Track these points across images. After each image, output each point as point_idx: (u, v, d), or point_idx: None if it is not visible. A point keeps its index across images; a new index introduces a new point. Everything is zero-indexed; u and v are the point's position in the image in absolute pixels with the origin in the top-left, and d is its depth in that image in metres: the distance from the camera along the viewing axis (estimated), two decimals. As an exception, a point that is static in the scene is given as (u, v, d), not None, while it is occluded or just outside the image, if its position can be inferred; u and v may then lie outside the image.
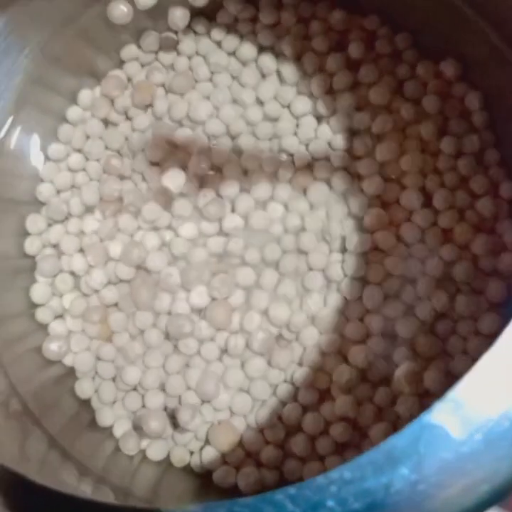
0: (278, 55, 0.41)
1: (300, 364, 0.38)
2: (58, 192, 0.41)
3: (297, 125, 0.41)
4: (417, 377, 0.35)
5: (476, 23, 0.35)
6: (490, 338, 0.36)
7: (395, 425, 0.35)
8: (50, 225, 0.41)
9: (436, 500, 0.19)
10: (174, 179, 0.39)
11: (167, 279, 0.38)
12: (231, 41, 0.42)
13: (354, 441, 0.36)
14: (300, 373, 0.37)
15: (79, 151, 0.42)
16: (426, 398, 0.36)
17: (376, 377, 0.37)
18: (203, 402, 0.37)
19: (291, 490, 0.19)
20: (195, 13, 0.42)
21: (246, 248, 0.38)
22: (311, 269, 0.38)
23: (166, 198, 0.39)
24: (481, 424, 0.19)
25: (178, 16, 0.40)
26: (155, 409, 0.37)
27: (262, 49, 0.42)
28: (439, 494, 0.19)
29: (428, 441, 0.19)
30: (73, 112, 0.42)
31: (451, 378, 0.36)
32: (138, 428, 0.37)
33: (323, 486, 0.19)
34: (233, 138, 0.41)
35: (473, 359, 0.35)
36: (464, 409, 0.19)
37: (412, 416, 0.34)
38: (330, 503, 0.19)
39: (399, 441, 0.19)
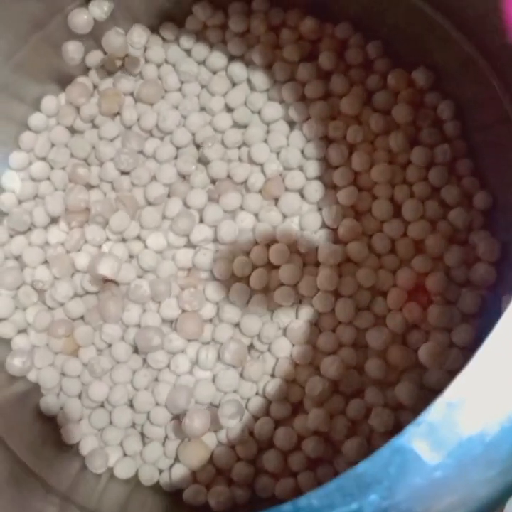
0: (248, 63, 0.41)
1: (272, 376, 0.37)
2: (20, 202, 0.40)
3: (268, 132, 0.40)
4: (442, 353, 0.35)
5: (449, 32, 0.35)
6: (464, 350, 0.35)
7: (369, 439, 0.35)
8: (11, 236, 0.40)
9: (408, 527, 0.18)
10: (110, 265, 0.37)
11: (137, 291, 0.37)
12: (201, 50, 0.41)
13: (327, 457, 0.36)
14: (272, 386, 0.37)
15: (42, 159, 0.41)
16: (399, 411, 0.35)
17: (348, 389, 0.36)
18: (173, 417, 0.37)
19: (256, 520, 0.18)
20: (164, 19, 0.42)
21: (215, 261, 0.37)
22: (282, 284, 0.37)
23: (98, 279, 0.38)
24: (453, 448, 0.18)
25: (137, 33, 0.39)
26: (199, 408, 0.35)
27: (232, 58, 0.41)
28: (411, 521, 0.18)
29: (399, 466, 0.18)
30: (36, 119, 0.41)
31: (425, 391, 0.35)
32: (178, 423, 0.36)
33: (290, 516, 0.18)
34: (199, 147, 0.40)
35: (448, 371, 0.35)
36: (437, 433, 0.18)
37: (387, 430, 0.34)
38: (298, 533, 0.18)
39: (369, 466, 0.18)
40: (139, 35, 0.40)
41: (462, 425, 0.18)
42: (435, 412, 0.19)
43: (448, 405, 0.19)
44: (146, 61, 0.42)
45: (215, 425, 0.35)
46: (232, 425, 0.35)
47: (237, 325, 0.37)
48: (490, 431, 0.18)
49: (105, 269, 0.36)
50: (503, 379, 0.19)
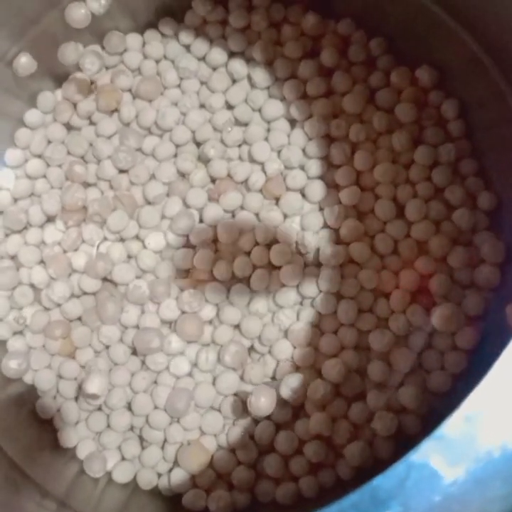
0: (249, 60, 0.40)
1: (273, 378, 0.37)
2: (16, 200, 0.39)
3: (269, 130, 0.39)
4: (453, 317, 0.34)
5: (455, 29, 0.34)
6: (468, 354, 0.35)
7: (372, 443, 0.34)
8: (7, 235, 0.39)
9: (423, 544, 0.18)
10: (98, 382, 0.35)
11: (135, 292, 0.37)
12: (200, 46, 0.40)
13: (328, 461, 0.35)
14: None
15: (38, 156, 0.40)
16: (402, 415, 0.35)
17: (351, 392, 0.36)
18: (173, 420, 0.36)
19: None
20: (163, 14, 0.41)
21: (215, 262, 0.37)
22: (283, 285, 0.37)
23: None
24: (471, 463, 0.18)
25: (89, 60, 0.39)
26: (264, 387, 0.34)
27: (232, 54, 0.40)
28: (427, 538, 0.18)
29: (415, 481, 0.18)
30: (32, 116, 0.40)
31: (428, 395, 0.35)
32: (242, 402, 0.36)
33: (302, 532, 0.18)
34: (199, 144, 0.40)
35: (451, 375, 0.35)
36: (454, 447, 0.18)
37: (390, 434, 0.34)
38: (310, 551, 0.18)
39: (384, 481, 0.18)
40: (91, 62, 0.39)
41: (480, 439, 0.18)
42: (452, 425, 0.18)
43: (465, 419, 0.18)
44: (145, 57, 0.41)
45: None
46: (291, 399, 0.34)
47: (237, 326, 0.37)
48: (509, 445, 0.18)
49: (93, 388, 0.35)
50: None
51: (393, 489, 0.18)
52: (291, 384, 0.34)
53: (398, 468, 0.18)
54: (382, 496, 0.18)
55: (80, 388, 0.36)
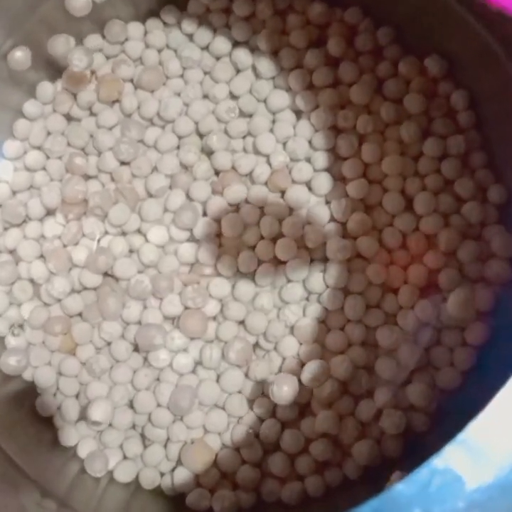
0: (253, 49, 0.39)
1: (279, 376, 0.36)
2: (14, 193, 0.38)
3: (274, 121, 0.39)
4: (470, 302, 0.33)
5: (465, 18, 0.34)
6: (477, 350, 0.34)
7: (379, 442, 0.34)
8: (6, 228, 0.38)
9: (446, 553, 0.17)
10: (102, 410, 0.34)
11: (137, 287, 0.36)
12: (203, 34, 0.39)
13: (335, 460, 0.34)
14: (279, 386, 0.35)
15: (38, 148, 0.39)
16: (410, 412, 0.34)
17: (358, 389, 0.35)
18: (176, 418, 0.35)
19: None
20: (165, 2, 0.40)
21: (219, 256, 0.36)
22: (289, 280, 0.36)
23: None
24: (496, 469, 0.17)
25: (77, 55, 0.37)
26: (286, 376, 0.34)
27: (236, 43, 0.39)
28: (450, 547, 0.17)
29: (438, 487, 0.17)
30: (31, 106, 0.39)
31: (436, 392, 0.34)
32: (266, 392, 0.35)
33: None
34: (203, 136, 0.39)
35: (461, 371, 0.34)
36: (477, 452, 0.17)
37: (398, 432, 0.33)
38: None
39: (406, 487, 0.17)
40: (79, 59, 0.37)
41: (505, 444, 0.17)
42: (475, 429, 0.17)
43: (489, 422, 0.17)
44: (147, 46, 0.40)
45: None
46: (311, 385, 0.34)
47: (242, 323, 0.36)
48: (536, 450, 0.17)
49: (97, 415, 0.34)
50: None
51: (415, 495, 0.17)
52: (313, 370, 0.34)
53: (420, 474, 0.17)
54: (403, 502, 0.17)
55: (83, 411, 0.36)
